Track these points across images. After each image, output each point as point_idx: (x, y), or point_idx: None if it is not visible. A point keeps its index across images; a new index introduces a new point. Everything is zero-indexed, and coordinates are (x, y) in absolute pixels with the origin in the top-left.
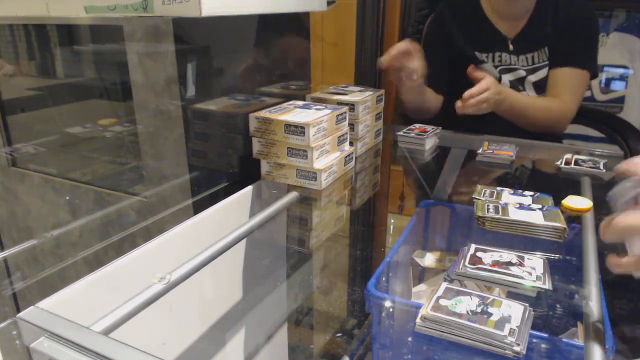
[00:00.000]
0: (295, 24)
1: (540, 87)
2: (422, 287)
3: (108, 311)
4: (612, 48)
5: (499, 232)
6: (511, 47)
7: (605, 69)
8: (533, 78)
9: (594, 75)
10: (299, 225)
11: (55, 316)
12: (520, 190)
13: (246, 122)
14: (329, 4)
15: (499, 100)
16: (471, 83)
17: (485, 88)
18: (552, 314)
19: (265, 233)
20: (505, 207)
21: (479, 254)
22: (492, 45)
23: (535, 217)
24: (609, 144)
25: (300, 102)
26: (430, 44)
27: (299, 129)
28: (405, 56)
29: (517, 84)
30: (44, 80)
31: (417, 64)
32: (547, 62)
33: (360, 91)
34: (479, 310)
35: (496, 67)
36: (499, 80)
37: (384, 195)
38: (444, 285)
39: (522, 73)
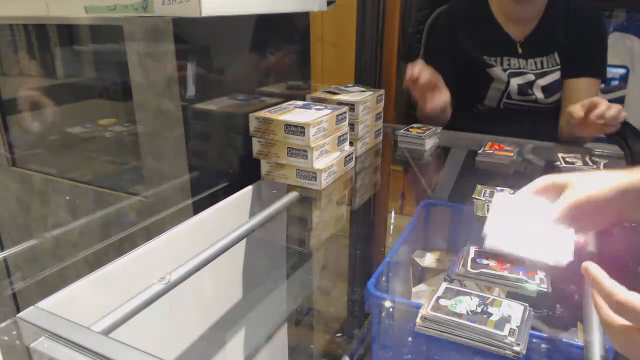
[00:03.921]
0: (295, 24)
1: (549, 91)
2: (422, 287)
3: (108, 311)
4: (612, 48)
5: None
6: (520, 50)
7: None
8: (542, 82)
9: (603, 81)
10: (299, 225)
11: (55, 316)
12: None
13: (246, 122)
14: (329, 4)
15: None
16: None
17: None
18: (552, 314)
19: (265, 233)
20: None
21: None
22: (501, 48)
23: None
24: (609, 144)
25: (300, 102)
26: (436, 47)
27: (299, 129)
28: (431, 88)
29: (527, 88)
30: (44, 80)
31: (444, 97)
32: (557, 68)
33: (360, 91)
34: (479, 310)
35: (505, 70)
36: (508, 83)
37: (384, 195)
38: (444, 285)
39: (531, 77)
